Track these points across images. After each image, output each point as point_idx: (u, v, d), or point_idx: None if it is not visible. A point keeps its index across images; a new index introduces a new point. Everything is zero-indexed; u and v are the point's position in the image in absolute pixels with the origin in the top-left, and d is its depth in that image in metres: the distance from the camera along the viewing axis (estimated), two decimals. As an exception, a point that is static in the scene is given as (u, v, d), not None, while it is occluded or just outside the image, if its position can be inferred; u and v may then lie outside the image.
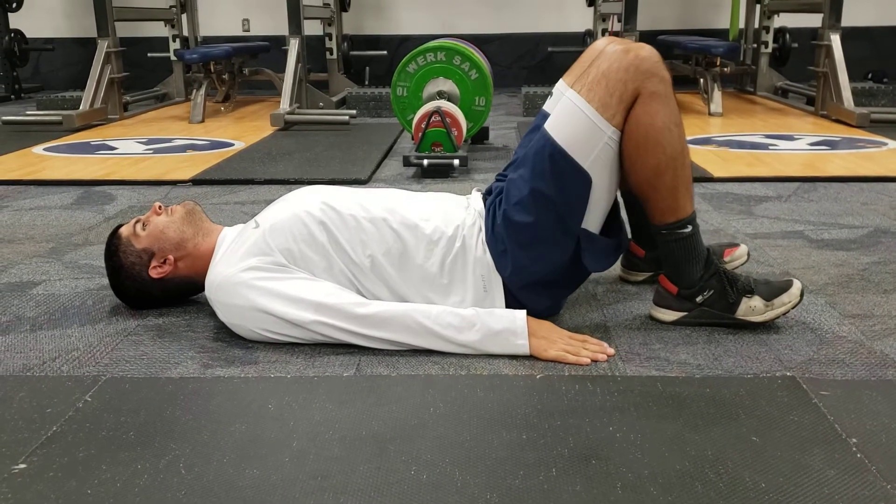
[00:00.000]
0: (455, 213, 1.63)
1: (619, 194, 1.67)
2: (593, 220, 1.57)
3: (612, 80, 1.50)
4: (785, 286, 1.60)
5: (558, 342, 1.50)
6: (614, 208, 1.63)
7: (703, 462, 1.13)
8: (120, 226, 1.75)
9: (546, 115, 1.60)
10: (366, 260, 1.57)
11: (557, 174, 1.52)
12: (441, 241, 1.58)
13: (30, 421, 1.28)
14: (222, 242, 1.68)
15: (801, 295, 1.60)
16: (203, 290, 1.66)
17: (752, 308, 1.59)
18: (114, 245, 1.71)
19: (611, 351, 1.51)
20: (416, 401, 1.33)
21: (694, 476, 1.10)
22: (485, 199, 1.67)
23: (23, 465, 1.16)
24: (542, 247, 1.56)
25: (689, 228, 1.58)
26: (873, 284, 1.88)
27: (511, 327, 1.50)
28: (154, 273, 1.69)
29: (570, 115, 1.53)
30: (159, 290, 1.72)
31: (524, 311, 1.52)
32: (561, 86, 1.62)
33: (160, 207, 1.72)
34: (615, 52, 1.52)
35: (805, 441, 1.19)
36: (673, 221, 1.58)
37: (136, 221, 1.71)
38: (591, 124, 1.51)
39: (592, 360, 1.47)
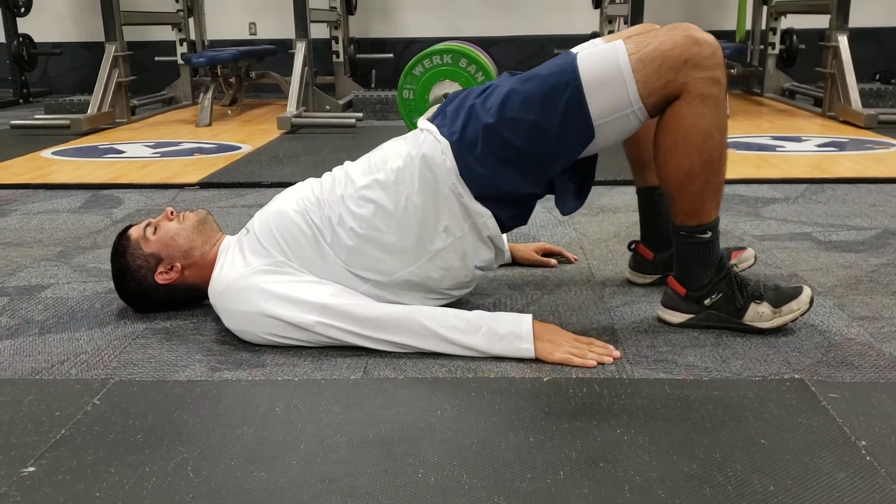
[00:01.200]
0: (401, 146, 1.60)
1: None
2: (570, 162, 1.53)
3: (667, 66, 1.43)
4: (794, 293, 1.59)
5: (564, 345, 1.49)
6: (593, 156, 1.59)
7: (712, 465, 1.13)
8: (129, 226, 1.75)
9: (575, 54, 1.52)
10: (348, 238, 1.56)
11: (566, 117, 1.45)
12: (400, 177, 1.55)
13: (38, 424, 1.29)
14: (224, 251, 1.68)
15: (811, 302, 1.59)
16: (206, 297, 1.67)
17: (759, 314, 1.58)
18: (122, 246, 1.71)
19: (617, 353, 1.50)
20: (423, 404, 1.33)
21: (702, 479, 1.10)
22: (433, 118, 1.62)
23: (32, 468, 1.16)
24: (514, 172, 1.51)
25: (709, 235, 1.56)
26: (882, 286, 1.88)
27: (516, 331, 1.49)
28: (160, 279, 1.69)
29: (609, 69, 1.45)
30: (163, 295, 1.73)
31: (530, 316, 1.52)
32: (601, 42, 1.55)
33: (172, 213, 1.72)
34: (682, 38, 1.44)
35: (814, 444, 1.18)
36: (694, 225, 1.56)
37: (147, 224, 1.71)
38: (624, 92, 1.45)
39: (598, 363, 1.47)
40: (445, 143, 1.53)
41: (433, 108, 1.68)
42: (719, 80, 1.46)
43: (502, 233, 1.61)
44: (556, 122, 1.46)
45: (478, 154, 1.51)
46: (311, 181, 1.70)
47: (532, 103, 1.48)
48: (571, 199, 1.57)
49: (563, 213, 1.59)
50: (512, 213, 1.60)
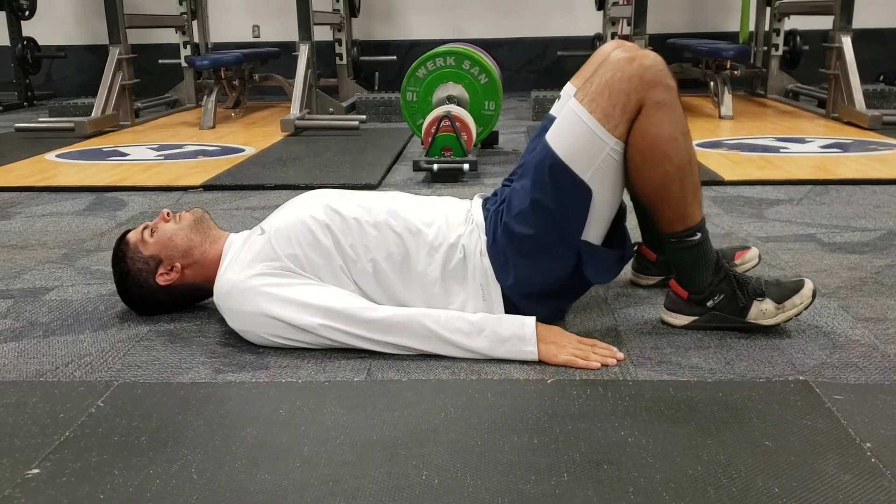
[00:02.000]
0: (456, 220, 1.63)
1: (627, 198, 1.67)
2: (595, 231, 1.56)
3: (616, 91, 1.48)
4: (796, 287, 1.59)
5: (567, 347, 1.50)
6: (619, 218, 1.62)
7: (716, 467, 1.13)
8: (128, 231, 1.75)
9: (552, 120, 1.59)
10: (368, 264, 1.58)
11: (557, 187, 1.51)
12: (442, 247, 1.58)
13: (43, 426, 1.29)
14: (229, 249, 1.68)
15: (814, 295, 1.59)
16: (209, 296, 1.67)
17: (763, 311, 1.58)
18: (121, 251, 1.71)
19: (620, 355, 1.50)
20: (427, 406, 1.33)
21: (706, 481, 1.09)
22: (485, 205, 1.67)
23: (36, 470, 1.16)
24: (542, 258, 1.55)
25: (699, 236, 1.57)
26: (887, 287, 1.87)
27: (519, 333, 1.49)
28: (161, 280, 1.69)
29: (572, 126, 1.52)
30: (165, 296, 1.73)
31: (533, 318, 1.52)
32: (568, 89, 1.61)
33: (168, 214, 1.73)
34: (619, 60, 1.50)
35: (818, 445, 1.18)
36: (682, 230, 1.57)
37: (144, 228, 1.72)
38: (592, 136, 1.50)
39: (602, 365, 1.47)
40: (485, 242, 1.59)
41: (486, 198, 1.72)
42: (669, 86, 1.50)
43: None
44: (551, 193, 1.52)
45: (507, 258, 1.56)
46: (337, 193, 1.69)
47: (526, 191, 1.55)
48: (608, 266, 1.60)
49: (596, 282, 1.64)
50: (550, 310, 1.63)
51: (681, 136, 1.52)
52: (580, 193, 1.51)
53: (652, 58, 1.51)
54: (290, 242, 1.58)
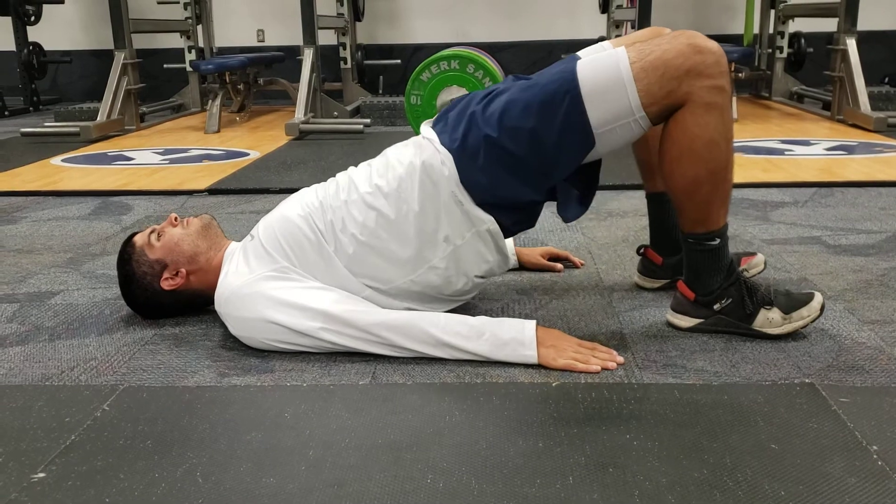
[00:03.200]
0: (403, 153, 1.60)
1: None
2: (571, 170, 1.52)
3: (669, 75, 1.41)
4: (805, 299, 1.58)
5: (567, 350, 1.49)
6: (596, 162, 1.58)
7: (722, 470, 1.13)
8: (134, 234, 1.76)
9: (577, 58, 1.51)
10: (350, 245, 1.56)
11: (565, 125, 1.45)
12: (402, 185, 1.55)
13: (48, 430, 1.29)
14: (229, 257, 1.69)
15: (822, 309, 1.57)
16: (213, 303, 1.67)
17: (769, 320, 1.57)
18: (127, 254, 1.72)
19: (620, 359, 1.50)
20: (431, 409, 1.33)
21: (712, 484, 1.09)
22: (434, 125, 1.62)
23: (42, 474, 1.16)
24: (516, 180, 1.51)
25: (718, 241, 1.55)
26: (892, 290, 1.87)
27: (519, 337, 1.49)
28: (165, 285, 1.69)
29: (610, 77, 1.43)
30: (169, 301, 1.73)
31: (533, 322, 1.51)
32: (605, 44, 1.53)
33: (176, 219, 1.73)
34: (686, 45, 1.41)
35: (825, 449, 1.18)
36: (702, 232, 1.55)
37: (151, 231, 1.72)
38: (625, 101, 1.43)
39: (602, 368, 1.46)
40: (445, 152, 1.53)
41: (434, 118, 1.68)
42: (724, 89, 1.44)
43: (507, 237, 1.60)
44: (555, 131, 1.46)
45: (479, 163, 1.51)
46: (315, 187, 1.71)
47: (531, 112, 1.47)
48: (575, 205, 1.56)
49: (566, 221, 1.58)
50: (516, 219, 1.60)
51: (723, 142, 1.47)
52: (584, 142, 1.46)
53: (718, 56, 1.43)
54: (279, 240, 1.59)
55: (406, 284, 1.58)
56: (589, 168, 1.58)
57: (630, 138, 1.51)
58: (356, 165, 1.70)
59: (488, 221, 1.55)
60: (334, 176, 1.71)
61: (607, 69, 1.45)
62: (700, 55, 1.42)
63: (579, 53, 1.58)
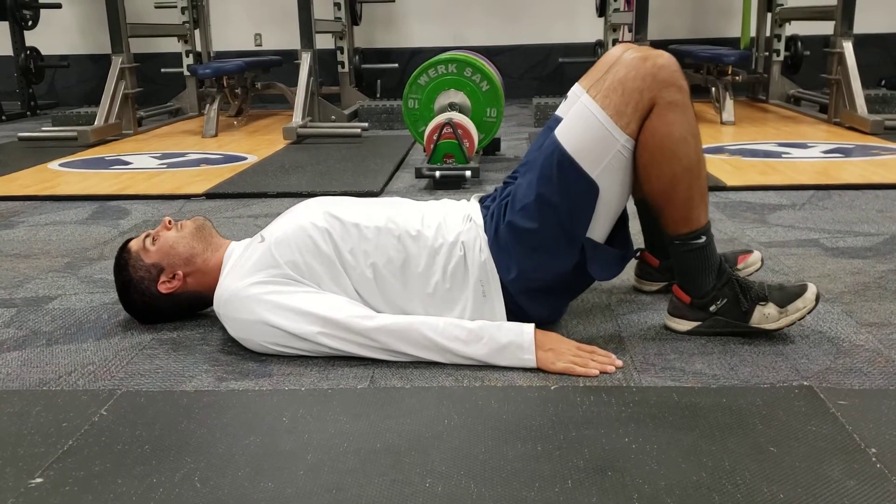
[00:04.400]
0: (455, 221, 1.63)
1: (631, 202, 1.66)
2: (599, 229, 1.56)
3: (629, 88, 1.48)
4: (799, 291, 1.59)
5: (566, 354, 1.49)
6: (623, 217, 1.62)
7: (721, 473, 1.12)
8: (129, 240, 1.75)
9: (558, 120, 1.59)
10: (368, 270, 1.57)
11: (564, 182, 1.51)
12: (443, 248, 1.58)
13: (46, 435, 1.29)
14: (230, 257, 1.68)
15: (817, 299, 1.58)
16: (211, 304, 1.67)
17: (765, 315, 1.58)
18: (123, 259, 1.71)
19: (619, 362, 1.50)
20: (430, 413, 1.33)
21: (711, 487, 1.09)
22: (483, 203, 1.67)
23: (39, 480, 1.16)
24: (545, 254, 1.55)
25: (703, 239, 1.57)
26: (890, 292, 1.87)
27: (517, 341, 1.49)
28: (163, 288, 1.69)
29: (583, 121, 1.52)
30: (168, 304, 1.73)
31: (532, 325, 1.52)
32: (577, 90, 1.60)
33: (170, 222, 1.73)
34: (633, 59, 1.50)
35: (823, 451, 1.18)
36: (687, 232, 1.57)
37: (146, 236, 1.72)
38: (604, 131, 1.50)
39: (601, 372, 1.46)
40: (485, 241, 1.58)
41: (483, 197, 1.72)
42: (681, 87, 1.51)
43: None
44: (557, 189, 1.51)
45: (510, 252, 1.55)
46: (336, 199, 1.70)
47: (532, 187, 1.54)
48: (611, 265, 1.60)
49: (600, 279, 1.62)
50: (549, 310, 1.64)
51: (691, 138, 1.52)
52: (587, 190, 1.51)
53: (666, 58, 1.51)
54: (291, 249, 1.58)
55: (411, 311, 1.60)
56: (618, 226, 1.61)
57: (627, 168, 1.53)
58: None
59: (500, 315, 1.58)
60: (359, 197, 1.72)
61: (580, 118, 1.53)
62: (648, 62, 1.50)
63: (558, 111, 1.64)
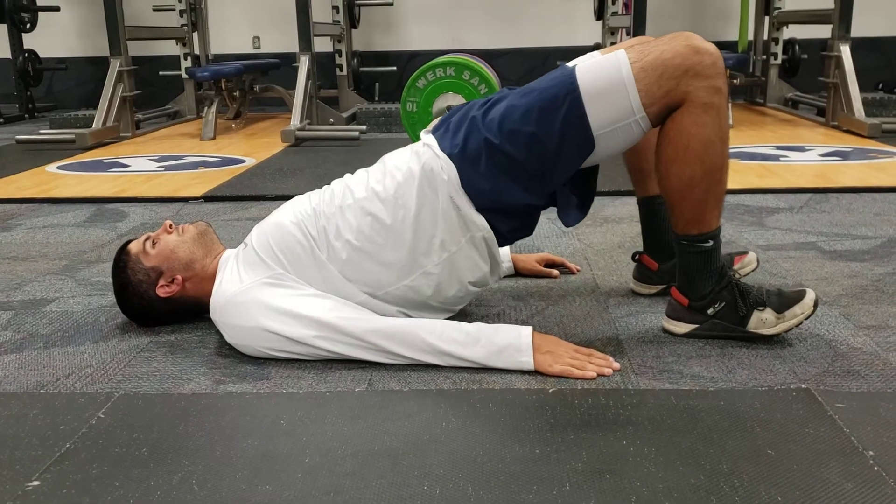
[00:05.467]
0: (399, 161, 1.60)
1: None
2: (571, 174, 1.53)
3: (668, 75, 1.43)
4: (798, 297, 1.58)
5: (563, 356, 1.49)
6: (593, 170, 1.59)
7: (719, 476, 1.12)
8: (129, 242, 1.75)
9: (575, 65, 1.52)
10: (343, 251, 1.56)
11: (564, 129, 1.46)
12: (399, 192, 1.55)
13: (43, 438, 1.29)
14: (223, 265, 1.68)
15: (815, 305, 1.58)
16: (208, 311, 1.66)
17: (763, 321, 1.58)
18: (122, 261, 1.71)
19: (616, 365, 1.50)
20: (428, 415, 1.33)
21: (709, 490, 1.09)
22: (435, 129, 1.63)
23: (36, 483, 1.16)
24: (516, 184, 1.51)
25: (710, 243, 1.56)
26: (888, 295, 1.87)
27: (515, 343, 1.49)
28: (161, 292, 1.69)
29: (609, 79, 1.45)
30: (165, 308, 1.72)
31: (529, 328, 1.51)
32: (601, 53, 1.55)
33: (171, 226, 1.73)
34: (684, 46, 1.44)
35: (821, 454, 1.18)
36: (695, 234, 1.56)
37: (146, 238, 1.71)
38: (626, 99, 1.44)
39: (598, 374, 1.46)
40: (445, 157, 1.54)
41: (436, 120, 1.69)
42: (721, 89, 1.46)
43: (505, 245, 1.60)
44: (555, 134, 1.47)
45: (480, 167, 1.51)
46: (308, 194, 1.71)
47: (531, 116, 1.48)
48: (574, 211, 1.57)
49: (567, 225, 1.58)
50: (514, 226, 1.60)
51: (719, 143, 1.49)
52: (583, 146, 1.47)
53: (715, 57, 1.45)
54: (272, 247, 1.59)
55: (400, 290, 1.58)
56: (586, 174, 1.59)
57: (629, 141, 1.51)
58: (352, 173, 1.70)
59: (483, 229, 1.55)
60: (329, 183, 1.71)
61: (609, 71, 1.46)
62: (698, 55, 1.44)
63: (573, 62, 1.58)
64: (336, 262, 1.57)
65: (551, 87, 1.49)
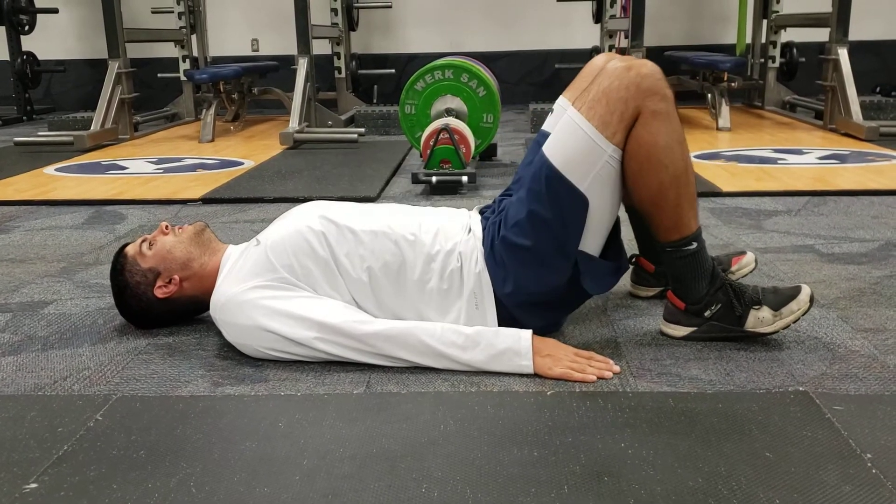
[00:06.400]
0: (454, 230, 1.63)
1: (621, 212, 1.67)
2: (592, 242, 1.56)
3: (613, 99, 1.49)
4: (793, 293, 1.59)
5: (563, 360, 1.49)
6: (615, 229, 1.62)
7: (717, 478, 1.13)
8: (126, 244, 1.75)
9: (546, 135, 1.60)
10: (363, 274, 1.57)
11: (554, 198, 1.51)
12: (439, 255, 1.58)
13: (41, 440, 1.28)
14: (227, 261, 1.68)
15: (811, 300, 1.58)
16: (208, 309, 1.67)
17: (760, 319, 1.58)
18: (119, 264, 1.71)
19: (616, 368, 1.50)
20: (426, 418, 1.33)
21: (707, 493, 1.09)
22: (483, 215, 1.68)
23: (34, 485, 1.16)
24: (540, 268, 1.55)
25: (695, 245, 1.58)
26: (885, 298, 1.87)
27: (515, 347, 1.49)
28: (159, 293, 1.69)
29: (570, 134, 1.52)
30: (164, 309, 1.72)
31: (529, 331, 1.52)
32: (562, 102, 1.61)
33: (167, 227, 1.73)
34: (616, 69, 1.51)
35: (819, 457, 1.18)
36: (678, 239, 1.57)
37: (143, 240, 1.71)
38: (590, 143, 1.50)
39: (598, 377, 1.46)
40: (482, 254, 1.59)
41: (492, 202, 1.74)
42: (665, 95, 1.51)
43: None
44: (548, 205, 1.52)
45: (505, 267, 1.56)
46: (334, 204, 1.70)
47: (523, 203, 1.55)
48: (605, 278, 1.60)
49: (593, 292, 1.63)
50: (546, 321, 1.64)
51: (677, 146, 1.53)
52: (577, 204, 1.51)
53: (649, 67, 1.52)
54: (287, 253, 1.58)
55: (404, 317, 1.60)
56: (609, 238, 1.61)
57: (616, 178, 1.54)
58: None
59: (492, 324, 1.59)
60: (356, 202, 1.73)
61: (566, 132, 1.54)
62: (631, 71, 1.50)
63: (545, 125, 1.68)
64: (350, 280, 1.59)
65: (531, 174, 1.56)
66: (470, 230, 1.63)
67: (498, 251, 1.57)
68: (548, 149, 1.54)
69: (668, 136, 1.51)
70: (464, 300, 1.58)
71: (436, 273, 1.58)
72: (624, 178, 1.54)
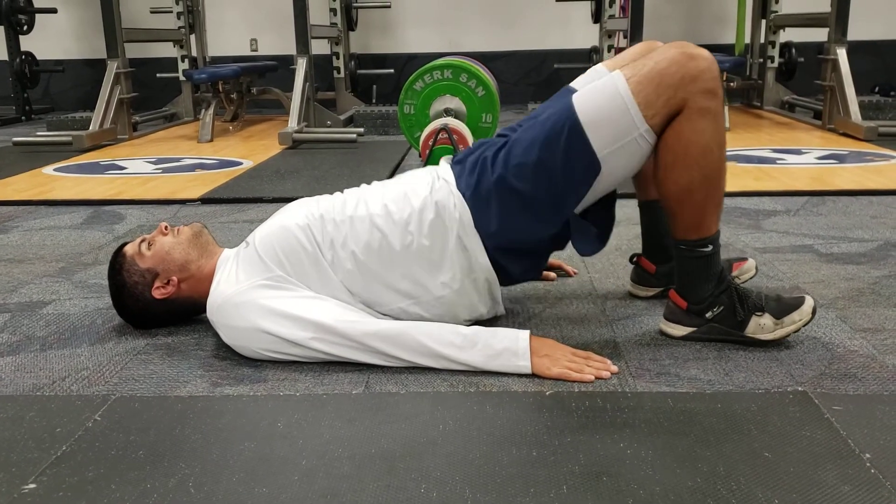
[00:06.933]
0: (419, 187, 1.61)
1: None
2: (584, 204, 1.55)
3: (665, 83, 1.45)
4: (796, 303, 1.58)
5: (561, 360, 1.49)
6: (611, 196, 1.60)
7: (715, 478, 1.13)
8: (125, 244, 1.75)
9: (573, 91, 1.55)
10: (348, 261, 1.57)
11: (568, 153, 1.47)
12: (412, 217, 1.56)
13: (39, 441, 1.28)
14: (222, 265, 1.68)
15: (813, 312, 1.58)
16: (205, 311, 1.66)
17: (761, 326, 1.58)
18: (118, 263, 1.71)
19: (614, 368, 1.50)
20: (425, 418, 1.33)
21: (706, 492, 1.09)
22: (454, 160, 1.65)
23: (32, 486, 1.16)
24: (529, 217, 1.53)
25: (710, 248, 1.56)
26: (884, 298, 1.87)
27: (512, 347, 1.49)
28: (157, 293, 1.69)
29: (608, 99, 1.47)
30: (161, 310, 1.72)
31: (527, 332, 1.51)
32: (599, 68, 1.56)
33: (166, 228, 1.73)
34: (679, 54, 1.46)
35: (818, 457, 1.18)
36: (695, 239, 1.56)
37: (142, 241, 1.71)
38: (627, 116, 1.46)
39: (596, 377, 1.46)
40: (459, 197, 1.56)
41: (461, 149, 1.70)
42: (716, 93, 1.48)
43: (513, 284, 1.60)
44: (560, 161, 1.49)
45: (492, 207, 1.54)
46: (318, 198, 1.71)
47: (534, 147, 1.51)
48: (592, 240, 1.59)
49: (582, 254, 1.60)
50: (525, 267, 1.62)
51: (716, 148, 1.50)
52: (589, 168, 1.48)
53: (710, 61, 1.47)
54: (275, 250, 1.58)
55: (394, 312, 1.60)
56: (604, 203, 1.60)
57: (638, 158, 1.52)
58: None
59: (487, 271, 1.58)
60: (340, 191, 1.71)
61: (604, 92, 1.49)
62: (692, 61, 1.46)
63: (574, 83, 1.61)
64: (339, 270, 1.58)
65: (550, 117, 1.52)
66: (439, 178, 1.61)
67: (486, 189, 1.53)
68: (578, 101, 1.49)
69: (710, 137, 1.48)
70: (451, 248, 1.55)
71: (415, 233, 1.56)
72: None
